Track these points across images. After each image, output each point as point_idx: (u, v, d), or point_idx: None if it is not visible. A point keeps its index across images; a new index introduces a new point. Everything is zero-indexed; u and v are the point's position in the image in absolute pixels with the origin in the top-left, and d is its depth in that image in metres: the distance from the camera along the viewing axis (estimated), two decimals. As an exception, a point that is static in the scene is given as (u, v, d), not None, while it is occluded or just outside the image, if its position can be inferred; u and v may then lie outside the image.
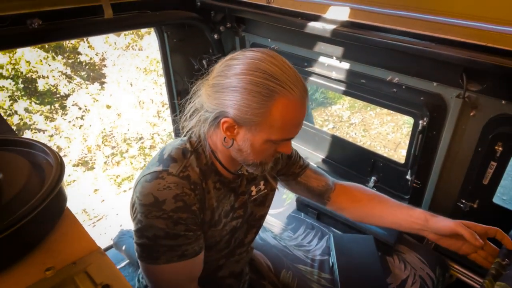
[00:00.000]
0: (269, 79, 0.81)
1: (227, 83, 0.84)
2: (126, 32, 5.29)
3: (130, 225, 2.43)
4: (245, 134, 0.88)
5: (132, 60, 5.47)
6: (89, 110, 5.29)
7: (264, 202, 1.18)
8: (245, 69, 0.82)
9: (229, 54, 0.91)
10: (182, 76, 2.22)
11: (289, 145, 0.95)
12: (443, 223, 1.06)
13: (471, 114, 1.32)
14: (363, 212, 1.24)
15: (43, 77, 5.33)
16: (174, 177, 0.89)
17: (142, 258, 0.92)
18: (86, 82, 5.58)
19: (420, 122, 1.46)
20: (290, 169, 1.23)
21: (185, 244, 0.91)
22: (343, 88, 1.71)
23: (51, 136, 5.15)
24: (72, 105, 5.28)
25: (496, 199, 1.39)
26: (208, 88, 0.89)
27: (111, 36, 5.42)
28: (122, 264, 2.00)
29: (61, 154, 4.89)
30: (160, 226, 0.86)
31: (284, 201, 1.91)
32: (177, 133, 2.44)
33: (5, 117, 5.00)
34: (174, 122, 2.40)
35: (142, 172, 0.96)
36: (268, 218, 1.76)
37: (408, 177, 1.64)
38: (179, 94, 2.26)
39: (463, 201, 1.43)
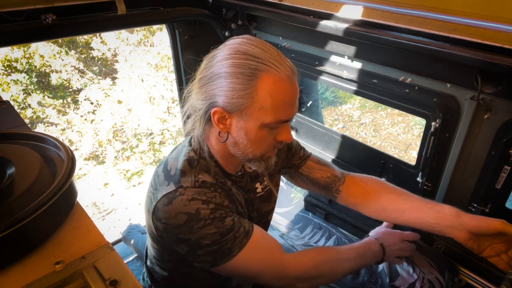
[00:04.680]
0: (250, 58, 0.79)
1: (210, 73, 0.83)
2: (138, 28, 5.33)
3: (139, 219, 2.45)
4: (238, 122, 0.85)
5: (144, 56, 5.51)
6: (100, 105, 5.35)
7: (270, 197, 1.16)
8: (225, 54, 0.82)
9: None
10: (193, 73, 2.23)
11: (288, 131, 0.89)
12: (485, 221, 0.96)
13: (485, 116, 1.29)
14: (381, 206, 1.13)
15: (56, 72, 5.41)
16: (192, 189, 0.87)
17: (219, 262, 0.88)
18: (98, 77, 5.65)
19: (433, 123, 1.43)
20: (290, 161, 1.19)
21: (241, 226, 0.89)
22: (354, 88, 1.69)
23: (63, 130, 5.23)
24: (84, 99, 5.35)
25: (508, 204, 1.36)
26: (196, 87, 0.89)
27: (123, 32, 5.47)
28: (130, 258, 2.02)
29: (73, 148, 4.97)
30: (210, 232, 0.84)
31: (292, 200, 1.90)
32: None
33: (19, 110, 5.11)
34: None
35: (152, 194, 0.92)
36: (276, 216, 1.76)
37: (418, 179, 1.62)
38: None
39: (475, 205, 1.41)
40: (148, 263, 1.18)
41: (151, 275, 1.20)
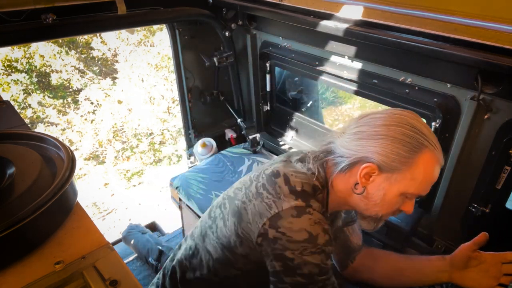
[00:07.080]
0: (418, 133, 0.88)
1: (374, 132, 0.89)
2: (138, 28, 5.33)
3: (139, 219, 2.45)
4: (382, 183, 0.90)
5: (144, 56, 5.52)
6: (100, 105, 5.36)
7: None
8: (393, 121, 0.89)
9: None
10: (193, 72, 2.23)
11: (413, 204, 0.97)
12: (456, 250, 1.10)
13: (485, 117, 1.29)
14: (391, 266, 1.23)
15: (57, 72, 5.41)
16: (318, 213, 0.90)
17: None
18: (98, 77, 5.65)
19: (433, 124, 1.43)
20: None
21: (331, 277, 0.91)
22: (354, 88, 1.69)
23: (63, 130, 5.23)
24: (84, 99, 5.35)
25: (509, 204, 1.36)
26: (347, 137, 0.94)
27: (124, 32, 5.47)
28: (130, 258, 2.02)
29: (73, 148, 4.97)
30: (315, 262, 0.87)
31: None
32: (186, 130, 2.45)
33: (19, 110, 5.11)
34: (184, 118, 2.41)
35: (272, 202, 0.91)
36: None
37: (418, 179, 1.62)
38: (189, 90, 2.27)
39: (475, 205, 1.41)
40: (175, 261, 1.16)
41: (173, 274, 1.17)
